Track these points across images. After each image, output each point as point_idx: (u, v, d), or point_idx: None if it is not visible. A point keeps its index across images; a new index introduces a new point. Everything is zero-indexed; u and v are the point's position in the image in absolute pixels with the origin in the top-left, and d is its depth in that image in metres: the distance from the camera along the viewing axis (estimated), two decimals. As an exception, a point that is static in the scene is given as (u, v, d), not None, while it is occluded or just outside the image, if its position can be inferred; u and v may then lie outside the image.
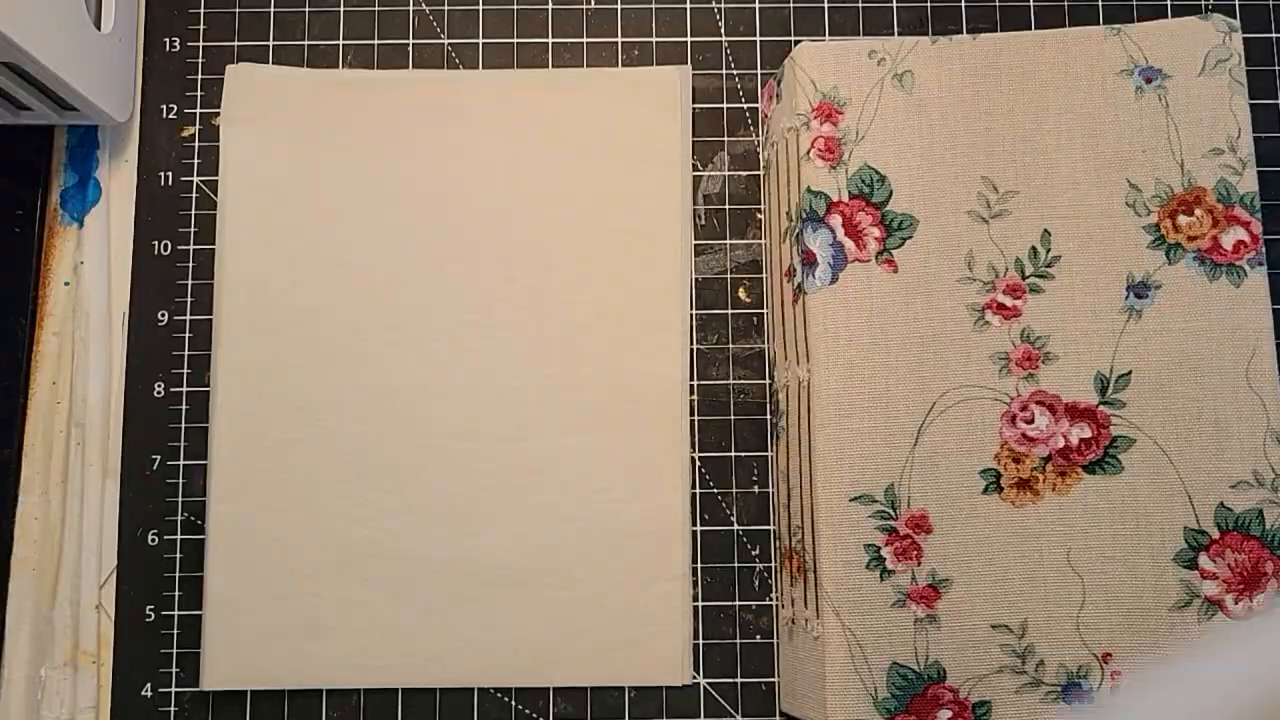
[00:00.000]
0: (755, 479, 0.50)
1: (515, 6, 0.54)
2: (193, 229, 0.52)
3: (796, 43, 0.50)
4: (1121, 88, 0.47)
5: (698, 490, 0.50)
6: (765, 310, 0.52)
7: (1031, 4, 0.54)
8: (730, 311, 0.52)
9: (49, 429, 0.51)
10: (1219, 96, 0.47)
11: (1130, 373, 0.46)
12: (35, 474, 0.50)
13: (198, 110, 0.53)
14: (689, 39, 0.54)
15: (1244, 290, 0.46)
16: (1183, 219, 0.46)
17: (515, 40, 0.54)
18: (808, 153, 0.47)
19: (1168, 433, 0.45)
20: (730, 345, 0.52)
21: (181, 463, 0.50)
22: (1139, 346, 0.46)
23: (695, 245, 0.52)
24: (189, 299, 0.52)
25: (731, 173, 0.53)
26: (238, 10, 0.54)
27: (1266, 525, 0.44)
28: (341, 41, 0.53)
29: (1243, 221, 0.46)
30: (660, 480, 0.50)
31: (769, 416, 0.51)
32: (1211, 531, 0.44)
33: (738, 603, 0.50)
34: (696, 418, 0.51)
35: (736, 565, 0.50)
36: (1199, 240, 0.46)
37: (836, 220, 0.47)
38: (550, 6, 0.54)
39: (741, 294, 0.52)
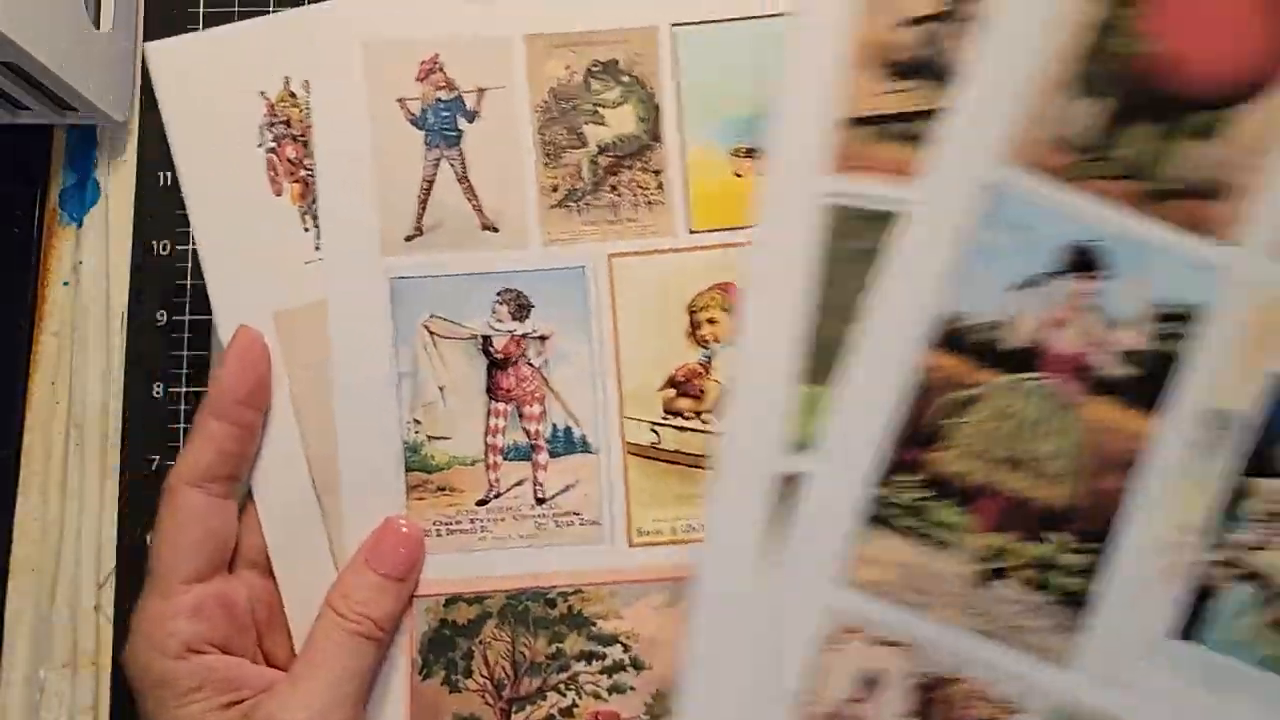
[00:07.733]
0: None
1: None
2: (192, 229, 0.52)
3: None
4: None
5: None
6: None
7: None
8: None
9: (48, 429, 0.51)
10: None
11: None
12: (34, 475, 0.50)
13: (197, 110, 0.52)
14: None
15: None
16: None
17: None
18: None
19: None
20: None
21: (181, 463, 0.50)
22: None
23: None
24: (188, 299, 0.51)
25: None
26: (237, 10, 0.53)
27: None
28: (341, 41, 0.53)
29: None
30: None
31: None
32: None
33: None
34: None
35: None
36: None
37: None
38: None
39: None
